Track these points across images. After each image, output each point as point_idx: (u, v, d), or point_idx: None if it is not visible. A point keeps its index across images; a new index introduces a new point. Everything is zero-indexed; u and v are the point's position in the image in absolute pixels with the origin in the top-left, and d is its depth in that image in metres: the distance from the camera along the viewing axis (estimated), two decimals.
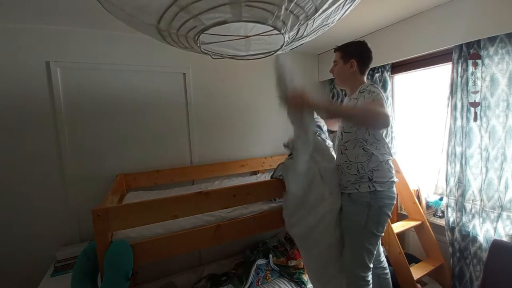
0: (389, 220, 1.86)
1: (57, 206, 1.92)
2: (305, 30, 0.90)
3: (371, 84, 1.33)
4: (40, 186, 1.87)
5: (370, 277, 1.39)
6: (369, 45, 1.44)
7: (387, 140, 1.41)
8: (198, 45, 0.93)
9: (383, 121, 1.15)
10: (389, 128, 2.31)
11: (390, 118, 1.18)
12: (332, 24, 0.95)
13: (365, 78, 1.45)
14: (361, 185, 1.32)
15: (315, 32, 0.97)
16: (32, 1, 1.49)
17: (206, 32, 0.85)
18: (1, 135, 1.76)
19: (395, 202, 1.38)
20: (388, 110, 1.26)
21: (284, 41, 0.97)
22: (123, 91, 2.09)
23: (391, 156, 1.39)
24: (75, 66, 1.93)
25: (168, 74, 2.25)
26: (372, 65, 2.32)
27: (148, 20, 0.77)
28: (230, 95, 2.54)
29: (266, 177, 2.52)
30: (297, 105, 1.26)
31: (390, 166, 1.36)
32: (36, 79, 1.83)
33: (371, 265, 1.39)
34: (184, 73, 2.30)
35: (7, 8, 1.54)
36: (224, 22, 0.77)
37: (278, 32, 0.89)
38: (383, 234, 1.39)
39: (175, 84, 2.29)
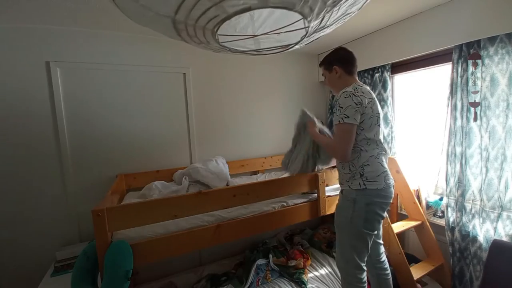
0: (389, 220, 1.87)
1: (57, 206, 1.92)
2: (329, 18, 0.89)
3: (343, 92, 1.35)
4: (40, 185, 1.87)
5: (363, 276, 1.39)
6: (347, 48, 1.50)
7: (380, 138, 1.44)
8: (216, 37, 0.90)
9: (337, 156, 1.40)
10: (389, 128, 2.32)
11: (344, 153, 1.32)
12: (353, 14, 0.95)
13: (355, 77, 1.48)
14: (353, 182, 1.37)
15: (336, 23, 0.96)
16: (32, 1, 1.49)
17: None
18: (0, 135, 1.76)
19: (389, 201, 1.38)
20: (349, 131, 1.32)
21: (306, 31, 0.94)
22: (123, 91, 2.09)
23: (384, 151, 1.42)
24: (75, 66, 1.93)
25: (168, 74, 2.25)
26: (372, 65, 2.36)
27: (165, 10, 0.72)
28: (230, 95, 2.54)
29: (266, 177, 2.52)
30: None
31: (382, 161, 1.39)
32: (36, 79, 1.83)
33: (363, 264, 1.38)
34: (184, 73, 2.30)
35: (7, 8, 1.54)
36: (248, 9, 0.73)
37: (288, 30, 0.88)
38: (375, 233, 1.39)
39: (175, 84, 2.29)
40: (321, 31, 1.01)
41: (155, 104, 2.21)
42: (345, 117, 1.29)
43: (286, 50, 1.15)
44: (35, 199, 1.86)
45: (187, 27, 0.82)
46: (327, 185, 1.81)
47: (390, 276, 1.58)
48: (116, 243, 1.22)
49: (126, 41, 2.06)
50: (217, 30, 0.84)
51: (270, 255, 2.13)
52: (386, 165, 1.40)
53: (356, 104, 1.29)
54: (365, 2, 0.88)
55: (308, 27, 0.91)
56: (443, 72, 2.01)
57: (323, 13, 0.83)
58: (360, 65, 2.41)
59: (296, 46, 1.10)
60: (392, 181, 1.40)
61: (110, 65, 2.03)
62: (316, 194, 1.80)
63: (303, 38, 1.03)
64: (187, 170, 2.05)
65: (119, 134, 2.09)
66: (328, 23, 0.93)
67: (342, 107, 1.31)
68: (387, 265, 1.59)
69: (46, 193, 1.89)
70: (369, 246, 1.39)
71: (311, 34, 1.01)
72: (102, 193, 1.89)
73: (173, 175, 2.19)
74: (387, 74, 2.27)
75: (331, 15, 0.86)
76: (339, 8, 0.83)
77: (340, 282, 1.64)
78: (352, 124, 1.29)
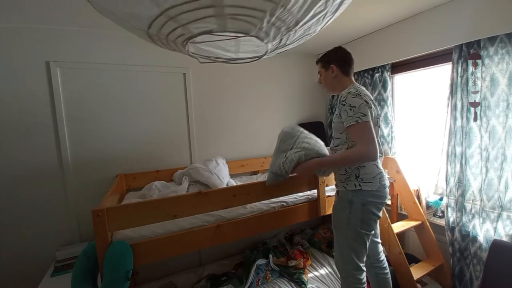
0: (389, 220, 1.87)
1: (57, 206, 1.92)
2: (287, 39, 0.93)
3: (349, 93, 1.32)
4: (40, 185, 1.87)
5: (362, 276, 1.39)
6: (346, 49, 1.49)
7: (378, 139, 1.42)
8: (186, 49, 0.98)
9: (368, 159, 1.27)
10: (389, 128, 2.32)
11: (374, 152, 1.24)
12: (315, 34, 0.97)
13: (352, 79, 1.48)
14: (348, 184, 1.37)
15: (298, 41, 1.00)
16: (32, 1, 1.49)
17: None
18: (0, 135, 1.76)
19: (384, 201, 1.38)
20: (369, 124, 1.26)
21: (267, 49, 1.01)
22: (123, 91, 2.09)
23: (380, 153, 1.41)
24: (75, 66, 1.93)
25: (168, 74, 2.25)
26: (372, 65, 2.36)
27: (139, 25, 0.80)
28: (230, 95, 2.54)
29: (266, 177, 2.51)
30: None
31: (377, 162, 1.38)
32: (36, 79, 1.83)
33: (361, 265, 1.38)
34: (184, 73, 2.30)
35: (7, 8, 1.54)
36: (210, 32, 0.81)
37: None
38: (372, 232, 1.39)
39: (175, 84, 2.29)
40: (284, 47, 1.05)
41: (155, 104, 2.21)
42: (362, 115, 1.25)
43: (254, 61, 1.20)
44: (35, 199, 1.86)
45: (160, 40, 0.91)
46: (327, 185, 1.81)
47: (389, 276, 1.58)
48: (116, 243, 1.22)
49: (126, 41, 2.06)
50: (185, 44, 0.92)
51: (270, 255, 2.13)
52: (381, 167, 1.40)
53: (366, 102, 1.29)
54: (325, 25, 0.89)
55: (267, 46, 0.96)
56: (443, 72, 2.01)
57: (279, 36, 0.87)
58: (360, 65, 2.44)
59: (265, 56, 1.14)
60: (387, 182, 1.40)
61: (110, 65, 2.03)
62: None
63: (267, 53, 1.08)
64: (187, 170, 2.05)
65: (119, 134, 2.09)
66: (288, 42, 0.97)
67: (355, 107, 1.27)
68: (386, 264, 1.59)
69: (46, 193, 1.89)
70: (367, 246, 1.39)
71: (273, 51, 1.06)
72: (102, 193, 1.89)
73: (173, 175, 2.19)
74: (387, 74, 2.27)
75: (288, 37, 0.90)
76: (295, 32, 0.86)
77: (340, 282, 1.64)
78: (370, 122, 1.27)
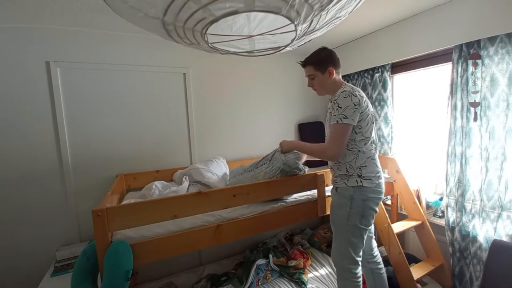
0: (389, 220, 1.87)
1: (57, 206, 1.92)
2: (317, 22, 0.87)
3: (342, 92, 1.34)
4: (40, 185, 1.87)
5: (358, 270, 1.42)
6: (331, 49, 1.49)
7: (373, 136, 1.45)
8: (206, 39, 0.89)
9: (327, 156, 1.39)
10: (389, 128, 2.32)
11: (336, 153, 1.33)
12: (344, 18, 0.93)
13: (341, 79, 1.49)
14: (349, 180, 1.40)
15: (327, 26, 0.94)
16: (32, 1, 1.49)
17: (208, 32, 0.83)
18: (1, 134, 1.76)
19: (381, 196, 1.42)
20: (348, 126, 1.31)
21: (296, 34, 0.93)
22: (123, 91, 2.09)
23: (377, 151, 1.45)
24: (75, 66, 1.93)
25: (168, 74, 2.25)
26: (372, 65, 2.36)
27: (153, 12, 0.73)
28: (230, 95, 2.54)
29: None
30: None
31: (376, 161, 1.43)
32: (36, 79, 1.83)
33: (358, 259, 1.41)
34: (184, 73, 2.30)
35: (7, 8, 1.54)
36: (235, 12, 0.73)
37: (283, 31, 0.86)
38: (369, 228, 1.42)
39: (175, 84, 2.29)
40: (312, 34, 0.99)
41: (155, 104, 2.21)
42: (344, 118, 1.30)
43: (277, 52, 1.14)
44: (35, 199, 1.86)
45: (176, 29, 0.83)
46: (327, 185, 1.81)
47: (383, 271, 1.61)
48: (116, 243, 1.21)
49: (126, 41, 2.06)
50: (205, 32, 0.84)
51: (270, 255, 2.13)
52: (380, 165, 1.44)
53: (355, 105, 1.30)
54: (355, 7, 0.86)
55: (296, 30, 0.89)
56: (443, 72, 2.01)
57: (310, 17, 0.82)
58: (360, 65, 2.45)
59: (288, 48, 1.09)
60: (383, 179, 1.44)
61: (110, 65, 2.03)
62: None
63: (293, 41, 1.01)
64: (187, 170, 2.05)
65: (119, 134, 2.09)
66: (317, 26, 0.92)
67: (341, 107, 1.31)
68: (380, 259, 1.61)
69: (46, 193, 1.89)
70: (364, 240, 1.42)
71: (301, 37, 0.99)
72: (102, 193, 1.89)
73: (173, 175, 2.19)
74: (387, 74, 2.27)
75: (319, 19, 0.85)
76: (327, 12, 0.81)
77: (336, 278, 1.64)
78: (349, 125, 1.31)
